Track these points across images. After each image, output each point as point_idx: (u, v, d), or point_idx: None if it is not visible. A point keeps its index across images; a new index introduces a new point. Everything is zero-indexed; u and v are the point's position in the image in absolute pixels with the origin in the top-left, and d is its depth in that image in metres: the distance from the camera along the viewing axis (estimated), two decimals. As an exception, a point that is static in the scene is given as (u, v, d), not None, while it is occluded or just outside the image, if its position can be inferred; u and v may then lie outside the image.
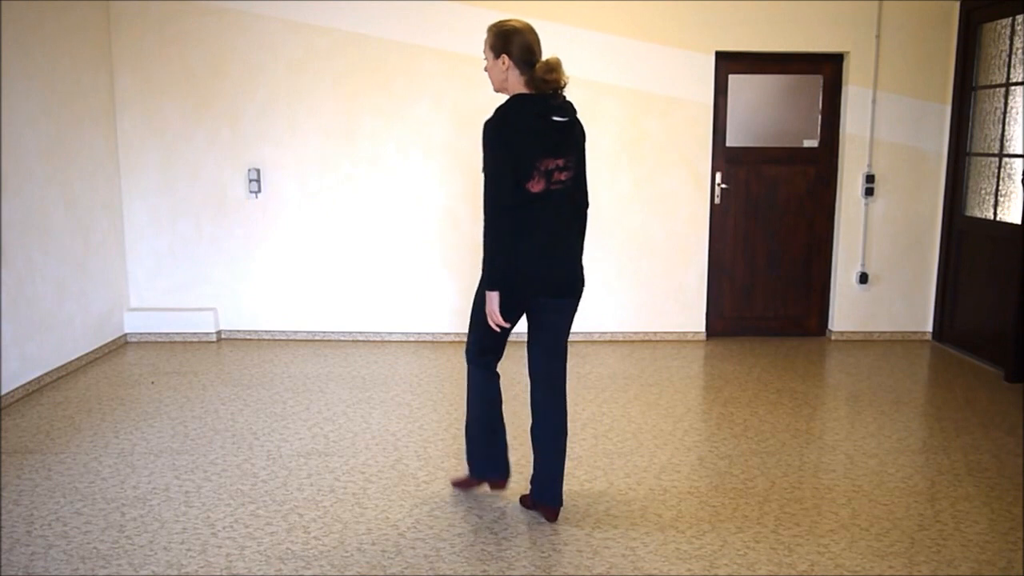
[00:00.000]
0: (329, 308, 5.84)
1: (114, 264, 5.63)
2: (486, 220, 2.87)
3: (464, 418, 3.42)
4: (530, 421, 3.13)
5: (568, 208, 3.01)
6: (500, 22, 2.98)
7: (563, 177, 2.94)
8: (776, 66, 5.71)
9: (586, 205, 3.10)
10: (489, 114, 2.90)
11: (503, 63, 2.92)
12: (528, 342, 3.12)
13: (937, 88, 5.66)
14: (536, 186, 2.88)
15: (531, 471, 3.22)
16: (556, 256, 2.98)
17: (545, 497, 3.14)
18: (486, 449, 3.24)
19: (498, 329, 2.98)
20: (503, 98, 2.99)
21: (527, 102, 2.89)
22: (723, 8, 5.52)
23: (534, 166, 2.87)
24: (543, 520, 3.13)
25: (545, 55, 2.98)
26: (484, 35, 3.02)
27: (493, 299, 2.91)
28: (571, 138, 2.97)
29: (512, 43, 2.91)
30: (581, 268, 3.08)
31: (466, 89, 5.51)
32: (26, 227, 4.63)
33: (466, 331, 3.41)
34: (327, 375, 5.02)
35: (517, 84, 2.94)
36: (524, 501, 3.27)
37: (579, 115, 3.03)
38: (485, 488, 3.39)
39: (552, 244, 2.96)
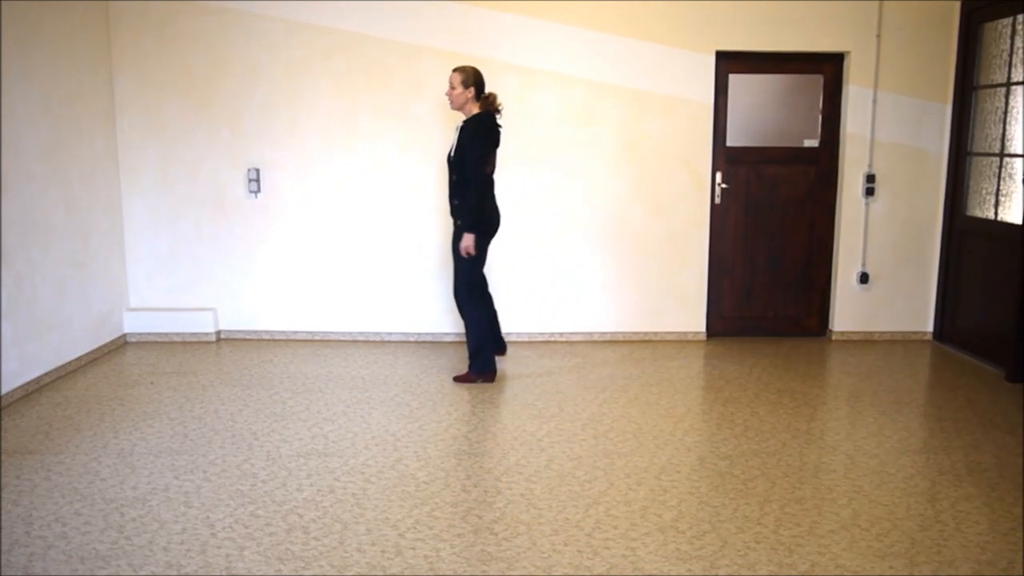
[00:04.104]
0: (329, 308, 5.83)
1: (114, 264, 5.63)
2: (473, 186, 4.49)
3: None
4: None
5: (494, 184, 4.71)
6: (464, 66, 4.57)
7: (496, 164, 4.64)
8: (776, 66, 5.71)
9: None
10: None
11: (468, 92, 4.52)
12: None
13: (938, 88, 5.65)
14: (489, 169, 4.57)
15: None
16: (499, 212, 4.70)
17: (502, 348, 5.01)
18: (492, 346, 4.84)
19: (466, 256, 4.55)
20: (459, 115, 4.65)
21: (491, 116, 4.53)
22: (723, 8, 5.52)
23: (490, 156, 4.56)
24: (543, 520, 3.13)
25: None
26: (465, 64, 4.61)
27: (472, 237, 4.51)
28: (500, 140, 4.64)
29: (473, 80, 4.52)
30: None
31: (466, 89, 5.53)
32: (26, 227, 4.63)
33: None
34: (327, 375, 5.01)
35: (472, 106, 4.55)
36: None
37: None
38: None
39: (496, 204, 4.67)
